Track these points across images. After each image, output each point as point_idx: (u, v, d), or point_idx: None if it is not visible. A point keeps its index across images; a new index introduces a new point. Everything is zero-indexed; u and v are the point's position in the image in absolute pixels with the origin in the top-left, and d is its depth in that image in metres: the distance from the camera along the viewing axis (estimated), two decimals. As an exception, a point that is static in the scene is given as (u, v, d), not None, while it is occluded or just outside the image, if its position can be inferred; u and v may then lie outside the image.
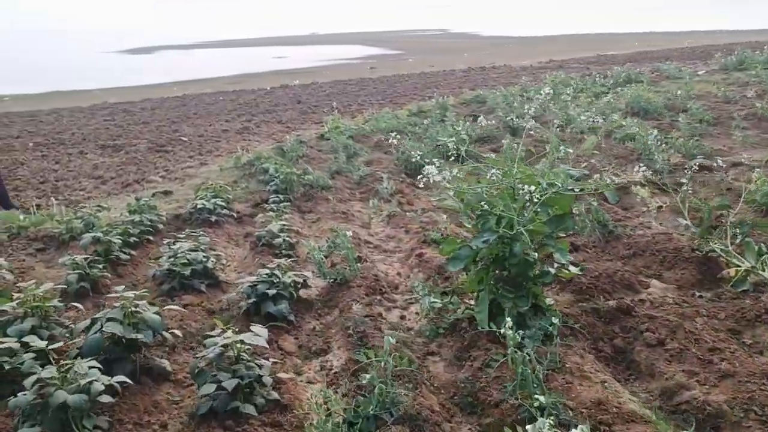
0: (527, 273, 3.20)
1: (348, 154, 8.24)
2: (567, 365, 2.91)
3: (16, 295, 3.36)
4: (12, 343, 2.96)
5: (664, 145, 7.05)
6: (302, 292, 4.03)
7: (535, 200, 2.83)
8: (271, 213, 5.54)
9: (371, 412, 2.55)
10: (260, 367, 2.83)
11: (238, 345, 2.84)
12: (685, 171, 4.54)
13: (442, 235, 4.99)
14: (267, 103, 15.50)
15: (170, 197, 6.85)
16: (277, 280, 3.71)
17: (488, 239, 3.11)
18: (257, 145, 10.04)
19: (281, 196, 6.15)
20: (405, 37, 55.66)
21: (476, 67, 24.47)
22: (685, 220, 4.32)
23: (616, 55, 26.42)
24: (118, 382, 2.65)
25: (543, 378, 2.70)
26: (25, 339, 3.03)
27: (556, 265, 3.40)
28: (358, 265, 4.32)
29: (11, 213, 5.80)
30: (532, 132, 8.12)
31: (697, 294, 3.78)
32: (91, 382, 2.52)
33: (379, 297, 4.02)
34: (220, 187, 6.24)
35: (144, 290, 4.37)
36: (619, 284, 3.88)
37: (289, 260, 4.10)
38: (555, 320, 2.94)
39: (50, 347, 2.80)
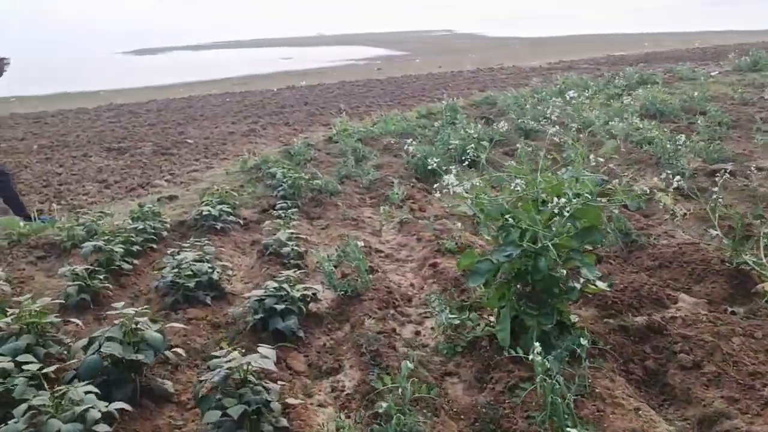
0: (552, 289, 3.01)
1: (357, 157, 8.06)
2: (597, 390, 2.71)
3: (11, 311, 3.19)
4: (6, 362, 2.79)
5: (684, 148, 6.83)
6: (312, 306, 3.85)
7: (565, 214, 2.63)
8: (278, 220, 5.36)
9: (388, 443, 2.36)
10: (268, 391, 2.64)
11: (245, 367, 2.65)
12: (715, 177, 4.33)
13: (456, 244, 4.80)
14: (274, 105, 15.34)
15: (175, 202, 6.68)
16: (286, 294, 3.53)
17: (511, 254, 2.91)
18: (264, 148, 9.87)
19: (289, 202, 5.97)
20: (411, 38, 55.42)
21: (484, 68, 24.22)
22: (715, 230, 4.10)
23: (626, 55, 26.11)
24: (116, 409, 2.47)
25: (572, 405, 2.50)
26: (20, 358, 2.87)
27: (582, 280, 3.20)
28: (370, 276, 4.13)
29: (12, 219, 5.65)
30: (552, 136, 7.95)
31: (730, 310, 3.56)
32: (87, 410, 2.34)
33: (392, 311, 3.83)
34: (226, 192, 6.06)
35: (146, 303, 4.23)
36: (646, 299, 3.68)
37: (298, 272, 3.91)
38: (584, 341, 2.73)
39: (45, 371, 2.62)
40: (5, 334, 3.12)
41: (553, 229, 2.77)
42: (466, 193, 2.98)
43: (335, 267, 4.46)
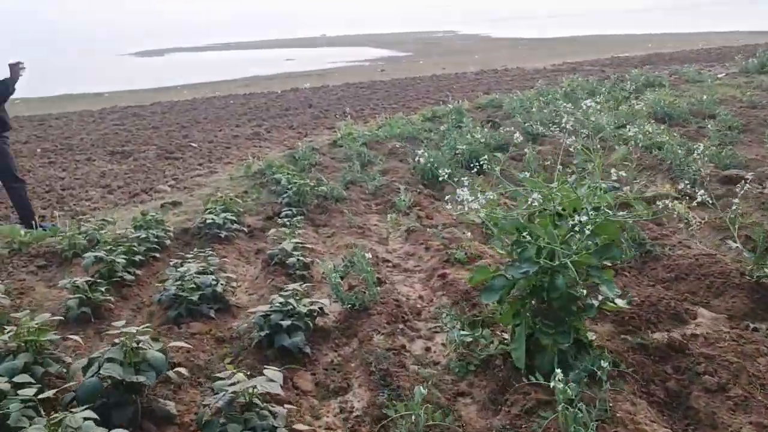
0: (570, 307, 2.89)
1: (362, 162, 7.95)
2: (618, 414, 2.58)
3: (8, 328, 3.09)
4: (2, 383, 2.69)
5: (696, 154, 6.69)
6: (318, 320, 3.74)
7: (586, 231, 2.51)
8: (284, 228, 5.25)
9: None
10: (274, 415, 2.53)
11: (250, 390, 2.54)
12: (730, 185, 4.22)
13: (466, 254, 4.69)
14: (278, 107, 15.25)
15: (179, 208, 6.59)
16: (292, 309, 3.42)
17: (528, 271, 2.79)
18: (268, 152, 9.78)
19: (294, 209, 5.86)
20: (414, 39, 55.27)
21: (488, 69, 24.09)
22: (735, 242, 3.97)
23: (630, 57, 25.94)
24: (116, 435, 2.36)
25: (594, 432, 2.38)
26: (17, 379, 2.76)
27: (600, 297, 3.08)
28: (378, 288, 4.02)
29: (13, 227, 5.55)
30: (568, 141, 7.81)
31: (752, 326, 3.44)
32: (85, 438, 2.23)
33: (401, 325, 3.71)
34: (230, 199, 5.96)
35: (149, 315, 4.13)
36: (664, 313, 3.55)
37: (304, 285, 3.80)
38: (604, 364, 2.61)
39: (41, 396, 2.51)
40: (2, 352, 3.02)
41: (573, 246, 2.64)
42: (481, 207, 2.85)
43: (342, 278, 4.35)
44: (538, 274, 2.85)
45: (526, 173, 3.39)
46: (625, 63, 22.99)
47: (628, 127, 6.25)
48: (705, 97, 10.26)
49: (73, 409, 2.47)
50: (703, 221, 5.12)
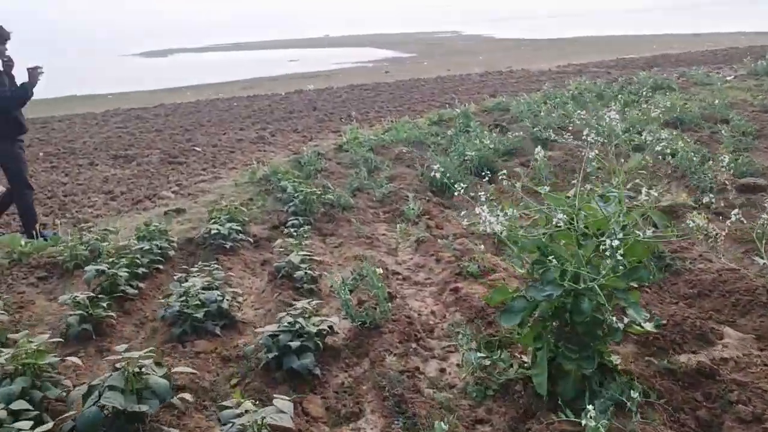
0: (596, 332, 2.74)
1: (369, 168, 7.80)
2: (648, 448, 2.44)
3: (5, 350, 2.95)
4: (-2, 410, 2.55)
5: (710, 162, 6.55)
6: (328, 339, 3.59)
7: (618, 257, 2.36)
8: (290, 239, 5.11)
9: None
10: (285, 449, 2.40)
11: (259, 421, 2.40)
12: (749, 194, 4.06)
13: (479, 267, 4.54)
14: (282, 110, 15.11)
15: (182, 216, 6.45)
16: (301, 328, 3.28)
17: (551, 294, 2.65)
18: (273, 156, 9.64)
19: (301, 219, 5.72)
20: (417, 39, 55.12)
21: (493, 71, 23.94)
22: (762, 258, 3.82)
23: (636, 58, 25.75)
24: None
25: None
26: (14, 406, 2.63)
27: (625, 320, 2.93)
28: (389, 304, 3.87)
29: (14, 236, 5.43)
30: (576, 145, 7.64)
31: (782, 348, 3.29)
32: (84, 476, 2.10)
33: (414, 345, 3.57)
34: (235, 208, 5.82)
35: (152, 332, 4.00)
36: (689, 334, 3.40)
37: (313, 302, 3.65)
38: (635, 394, 2.47)
39: (40, 430, 2.37)
40: (-1, 376, 2.89)
41: (602, 271, 2.49)
42: (502, 225, 2.70)
43: (351, 291, 4.22)
44: (561, 297, 2.71)
45: (546, 187, 3.25)
46: (631, 64, 22.81)
47: (643, 134, 6.11)
48: (717, 101, 10.08)
49: (72, 442, 2.33)
50: (723, 232, 4.99)
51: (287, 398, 2.60)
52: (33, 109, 17.80)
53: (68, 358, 3.15)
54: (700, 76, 15.08)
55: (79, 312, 3.74)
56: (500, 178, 3.23)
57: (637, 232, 2.56)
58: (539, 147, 3.32)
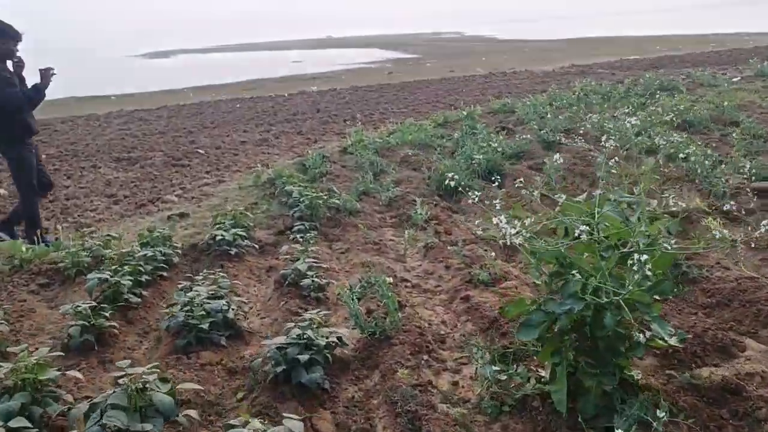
0: (618, 347, 2.63)
1: (374, 171, 7.70)
2: (675, 471, 2.33)
3: (4, 365, 2.86)
4: (-3, 428, 2.46)
5: (723, 165, 6.43)
6: (336, 350, 3.49)
7: (647, 272, 2.25)
8: (296, 245, 5.01)
9: None
10: (295, 471, 2.29)
11: (269, 442, 2.30)
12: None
13: (489, 274, 4.43)
14: (285, 112, 15.03)
15: (186, 221, 6.36)
16: (310, 341, 3.17)
17: (572, 308, 2.54)
18: (277, 159, 9.56)
19: (307, 224, 5.62)
20: (420, 40, 55.03)
21: (497, 72, 23.85)
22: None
23: (640, 59, 25.64)
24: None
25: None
26: (13, 423, 2.53)
27: (648, 333, 2.82)
28: (399, 314, 3.77)
29: (14, 242, 5.34)
30: (584, 146, 7.50)
31: (808, 362, 3.17)
32: (86, 502, 2.00)
33: (425, 356, 3.46)
34: (240, 213, 5.72)
35: (156, 342, 3.90)
36: (710, 346, 3.29)
37: (322, 312, 3.55)
38: (661, 414, 2.36)
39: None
40: (-2, 391, 2.79)
41: (629, 287, 2.37)
42: (523, 239, 2.59)
43: (359, 299, 4.11)
44: (582, 311, 2.60)
45: (563, 195, 3.14)
46: (636, 65, 22.71)
47: (655, 137, 6.00)
48: (726, 103, 9.96)
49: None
50: (740, 239, 4.87)
51: (297, 417, 2.49)
52: (38, 111, 17.77)
53: (69, 372, 3.04)
54: (706, 78, 14.96)
55: (81, 322, 3.64)
56: (516, 185, 3.11)
57: (663, 243, 2.45)
58: (557, 155, 3.20)
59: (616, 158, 3.33)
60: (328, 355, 3.24)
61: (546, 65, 25.92)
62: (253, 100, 17.94)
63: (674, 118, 7.79)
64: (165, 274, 4.78)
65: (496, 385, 3.05)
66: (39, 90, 5.46)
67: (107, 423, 2.36)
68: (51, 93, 5.75)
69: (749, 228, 2.98)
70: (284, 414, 2.58)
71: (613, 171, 5.54)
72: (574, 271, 2.49)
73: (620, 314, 2.50)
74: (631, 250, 2.54)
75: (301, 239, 5.19)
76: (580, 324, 2.74)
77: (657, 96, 11.55)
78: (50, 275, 4.97)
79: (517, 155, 8.20)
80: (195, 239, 5.63)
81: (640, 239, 2.41)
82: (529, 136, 8.67)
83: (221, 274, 4.34)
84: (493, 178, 5.04)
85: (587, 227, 2.46)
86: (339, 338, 3.39)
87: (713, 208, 5.44)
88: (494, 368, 3.08)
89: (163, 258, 4.80)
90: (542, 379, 2.99)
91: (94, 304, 3.84)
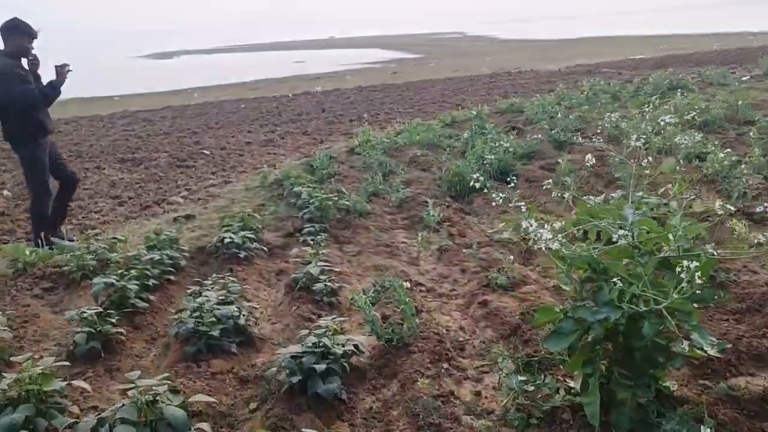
0: (656, 357, 2.49)
1: (383, 172, 7.56)
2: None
3: (8, 375, 2.72)
4: (0, 445, 2.33)
5: (742, 166, 6.27)
6: (353, 358, 3.34)
7: (697, 280, 2.10)
8: (307, 248, 4.87)
9: None
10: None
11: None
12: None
13: (507, 278, 4.29)
14: (290, 112, 14.91)
15: (192, 223, 6.23)
16: (326, 349, 3.03)
17: (608, 316, 2.40)
18: (283, 159, 9.43)
19: (317, 226, 5.48)
20: (423, 41, 54.93)
21: (501, 71, 23.72)
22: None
23: (646, 58, 25.47)
24: None
25: None
26: (17, 438, 2.40)
27: (685, 343, 2.67)
28: (416, 320, 3.62)
29: (17, 245, 5.21)
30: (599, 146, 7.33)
31: None
32: None
33: (445, 365, 3.32)
34: (248, 214, 5.59)
35: (164, 348, 3.77)
36: (745, 354, 3.14)
37: (337, 318, 3.41)
38: (706, 429, 2.21)
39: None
40: (0, 402, 2.66)
41: (673, 294, 2.23)
42: (559, 244, 2.44)
43: (373, 304, 3.97)
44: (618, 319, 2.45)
45: (591, 196, 3.00)
46: (641, 65, 22.53)
47: (676, 138, 5.84)
48: (741, 102, 9.79)
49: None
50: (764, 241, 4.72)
51: (314, 431, 2.35)
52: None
53: (75, 382, 2.91)
54: (716, 77, 14.78)
55: (87, 329, 3.51)
56: (544, 187, 2.97)
57: (711, 251, 2.30)
58: (589, 155, 3.05)
59: (647, 158, 3.18)
60: (345, 364, 3.10)
61: (551, 65, 25.76)
62: (257, 101, 17.83)
63: (695, 117, 7.62)
64: (172, 278, 4.65)
65: (522, 395, 2.91)
66: (54, 87, 5.34)
67: (116, 439, 2.23)
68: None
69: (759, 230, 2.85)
70: (302, 428, 2.44)
71: (646, 171, 5.40)
72: (614, 279, 2.34)
73: (660, 323, 2.36)
74: (671, 255, 2.40)
75: (311, 242, 5.06)
76: (612, 333, 2.60)
77: (669, 95, 11.37)
78: (54, 279, 4.84)
79: (528, 155, 8.05)
80: (202, 242, 5.49)
81: (682, 244, 2.27)
82: (539, 135, 8.52)
83: (231, 278, 4.20)
84: (508, 179, 4.89)
85: (626, 231, 2.31)
86: (356, 346, 3.25)
87: (736, 209, 5.29)
88: (520, 378, 2.93)
89: (171, 261, 4.66)
90: (572, 391, 2.84)
91: (101, 309, 3.70)
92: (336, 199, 5.94)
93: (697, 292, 2.18)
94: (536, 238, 2.39)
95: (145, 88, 24.15)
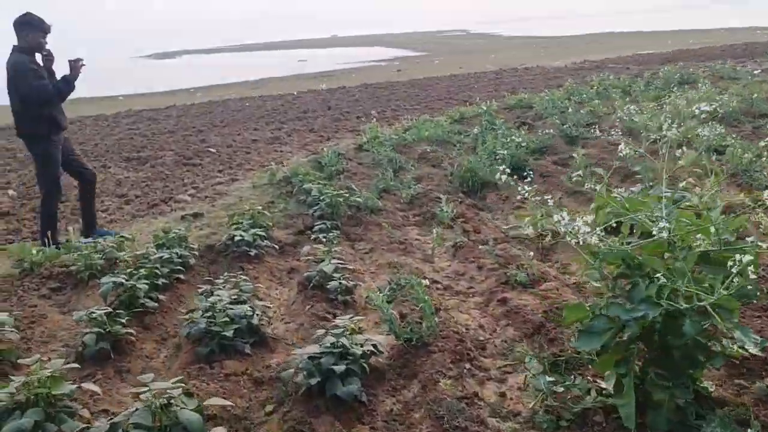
0: (696, 357, 2.36)
1: (393, 168, 7.43)
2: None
3: (15, 379, 2.61)
4: (8, 452, 2.22)
5: (763, 159, 6.12)
6: (371, 359, 3.23)
7: (751, 274, 1.97)
8: (319, 246, 4.76)
9: None
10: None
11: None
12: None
13: (527, 275, 4.16)
14: (296, 110, 14.79)
15: (201, 221, 6.12)
16: (344, 350, 2.92)
17: (646, 314, 2.27)
18: (290, 157, 9.31)
19: (328, 223, 5.36)
20: (426, 39, 54.64)
21: (507, 68, 23.53)
22: None
23: (653, 54, 25.24)
24: None
25: None
26: (26, 444, 2.29)
27: (724, 341, 2.55)
28: (436, 319, 3.50)
29: (23, 245, 5.11)
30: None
31: None
32: None
33: (467, 365, 3.20)
34: (258, 212, 5.47)
35: (175, 349, 3.66)
36: (781, 353, 3.01)
37: (355, 317, 3.28)
38: (753, 434, 2.08)
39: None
40: (9, 407, 2.55)
41: (719, 291, 2.10)
42: (598, 240, 2.31)
43: (389, 303, 3.85)
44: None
45: (620, 189, 2.87)
46: (649, 60, 22.32)
47: (698, 130, 5.70)
48: (756, 95, 9.63)
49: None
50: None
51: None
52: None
53: (85, 385, 2.79)
54: (726, 71, 14.60)
55: (96, 329, 3.40)
56: (573, 179, 2.84)
57: (760, 243, 2.18)
58: (623, 145, 2.92)
59: (669, 151, 3.05)
60: (365, 365, 2.98)
61: (556, 61, 25.56)
62: (261, 99, 17.72)
63: (717, 109, 7.47)
64: (182, 276, 4.54)
65: (551, 397, 2.78)
66: (69, 82, 5.24)
67: (130, 446, 2.12)
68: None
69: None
70: (320, 430, 2.32)
71: (678, 165, 5.26)
72: (657, 274, 2.21)
73: (701, 321, 2.23)
74: (712, 249, 2.27)
75: (324, 239, 4.94)
76: (648, 331, 2.48)
77: (682, 88, 11.21)
78: (62, 279, 4.73)
79: (540, 150, 7.92)
80: (211, 240, 5.38)
81: (727, 237, 2.14)
82: (551, 130, 8.38)
83: (243, 277, 4.09)
84: (522, 174, 4.75)
85: (666, 224, 2.18)
86: (374, 346, 3.13)
87: (758, 202, 5.14)
88: (549, 379, 2.81)
89: (180, 260, 4.55)
90: (604, 392, 2.71)
91: (110, 309, 3.59)
92: (347, 195, 5.82)
93: (749, 287, 2.05)
94: (572, 232, 2.26)
95: (148, 87, 24.06)
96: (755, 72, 14.94)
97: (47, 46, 5.27)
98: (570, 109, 9.84)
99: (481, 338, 3.60)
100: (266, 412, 2.97)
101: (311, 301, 4.07)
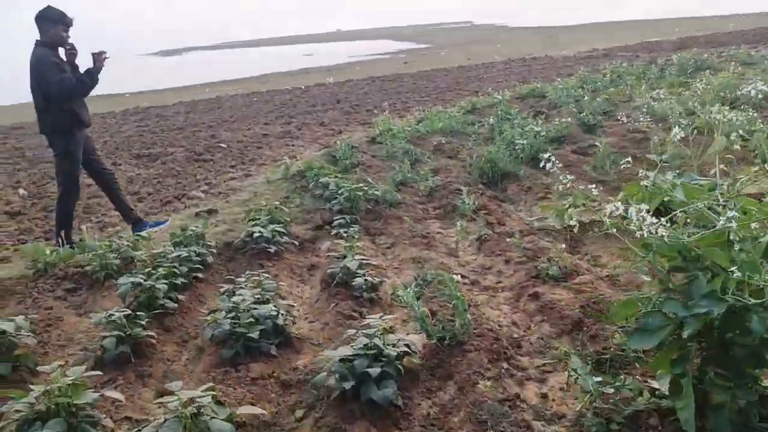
0: (764, 356, 2.20)
1: (410, 160, 7.27)
2: None
3: (35, 388, 2.49)
4: (30, 467, 2.09)
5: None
6: (405, 360, 3.08)
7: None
8: (339, 241, 4.61)
9: None
10: None
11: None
12: None
13: (559, 269, 4.00)
14: (305, 104, 14.64)
15: (216, 217, 5.98)
16: (378, 351, 2.77)
17: (710, 310, 2.11)
18: (302, 151, 9.17)
19: (348, 218, 5.22)
20: (431, 31, 54.21)
21: (515, 58, 23.25)
22: None
23: (661, 41, 24.85)
24: None
25: None
26: (49, 458, 2.16)
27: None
28: (469, 316, 3.35)
29: (37, 245, 4.99)
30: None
31: None
32: None
33: (505, 365, 3.05)
34: (276, 207, 5.33)
35: (197, 352, 3.54)
36: (839, 348, 2.83)
37: (386, 317, 3.13)
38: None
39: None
40: (29, 417, 2.42)
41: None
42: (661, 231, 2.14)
43: (417, 299, 3.70)
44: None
45: (672, 173, 2.70)
46: (658, 47, 21.99)
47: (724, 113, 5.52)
48: (776, 79, 9.36)
49: None
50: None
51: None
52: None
53: (107, 392, 2.67)
54: (741, 56, 14.30)
55: (116, 332, 3.27)
56: (622, 166, 2.67)
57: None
58: (677, 128, 2.75)
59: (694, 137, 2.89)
60: (400, 366, 2.83)
61: (564, 50, 25.25)
62: (269, 94, 17.56)
63: (758, 93, 7.26)
64: (200, 275, 4.41)
65: (599, 398, 2.63)
66: (92, 74, 5.09)
67: (161, 460, 1.98)
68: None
69: None
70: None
71: (709, 151, 5.07)
72: (722, 267, 2.05)
73: (772, 317, 2.06)
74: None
75: (344, 234, 4.79)
76: (707, 328, 2.31)
77: (700, 74, 10.95)
78: (77, 279, 4.61)
79: (558, 139, 7.73)
80: (228, 237, 5.25)
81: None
82: (569, 119, 8.18)
83: (264, 275, 3.95)
84: (541, 164, 4.58)
85: (734, 213, 2.02)
86: (407, 346, 2.99)
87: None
88: (596, 379, 2.65)
89: (198, 258, 4.42)
90: (657, 392, 2.56)
91: (129, 311, 3.46)
92: (366, 189, 5.67)
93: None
94: (636, 224, 2.09)
95: (155, 84, 23.96)
96: (769, 57, 14.65)
97: (70, 40, 5.14)
98: (585, 98, 9.62)
99: (516, 336, 3.45)
100: (296, 418, 2.83)
101: (335, 299, 3.93)
